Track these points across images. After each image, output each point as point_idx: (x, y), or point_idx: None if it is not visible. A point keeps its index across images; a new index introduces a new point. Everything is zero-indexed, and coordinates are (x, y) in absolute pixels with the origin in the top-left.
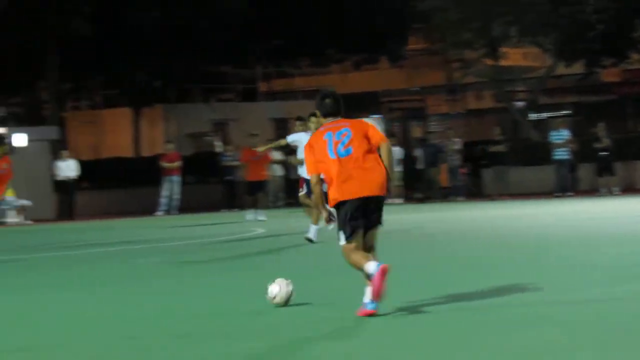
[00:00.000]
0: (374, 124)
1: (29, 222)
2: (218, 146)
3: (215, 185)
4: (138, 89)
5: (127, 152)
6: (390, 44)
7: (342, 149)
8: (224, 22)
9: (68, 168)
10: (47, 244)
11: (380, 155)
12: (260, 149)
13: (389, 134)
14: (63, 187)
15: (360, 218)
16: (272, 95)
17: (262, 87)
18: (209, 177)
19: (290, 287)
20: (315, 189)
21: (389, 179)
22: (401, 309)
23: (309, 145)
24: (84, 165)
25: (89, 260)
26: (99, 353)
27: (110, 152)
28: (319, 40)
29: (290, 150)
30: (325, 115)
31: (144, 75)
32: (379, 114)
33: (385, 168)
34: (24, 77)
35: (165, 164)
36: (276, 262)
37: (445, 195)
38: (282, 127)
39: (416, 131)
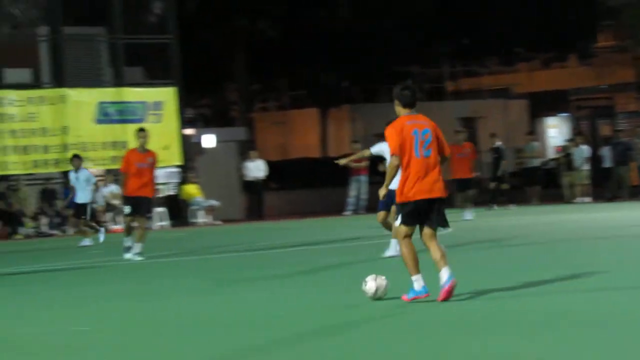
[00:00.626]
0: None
1: (218, 222)
2: None
3: None
4: (325, 89)
5: (314, 152)
6: (579, 41)
7: (424, 150)
8: (411, 21)
9: (256, 168)
10: (234, 244)
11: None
12: (342, 162)
13: (577, 132)
14: (251, 188)
15: (422, 216)
16: (460, 95)
17: (449, 86)
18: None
19: (384, 283)
20: (393, 171)
21: None
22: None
23: (398, 130)
24: (272, 165)
25: (273, 259)
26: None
27: (298, 152)
28: (507, 38)
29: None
30: (405, 105)
31: (331, 76)
32: (567, 112)
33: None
34: (212, 79)
35: (352, 164)
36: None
37: (635, 194)
38: (470, 127)
39: (604, 129)
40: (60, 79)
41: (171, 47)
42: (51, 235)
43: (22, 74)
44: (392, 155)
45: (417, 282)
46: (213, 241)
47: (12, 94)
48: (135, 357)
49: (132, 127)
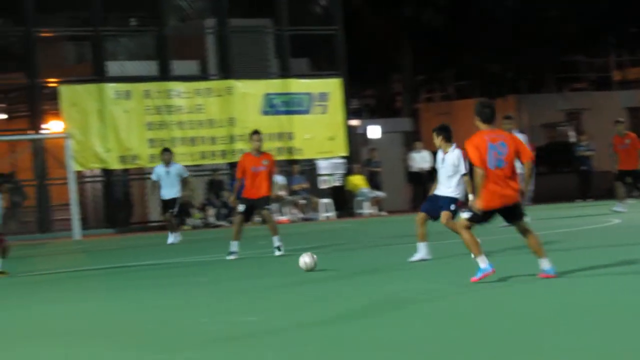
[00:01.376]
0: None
1: (383, 213)
2: (571, 136)
3: (569, 175)
4: (491, 79)
5: None
6: None
7: (498, 162)
8: (577, 10)
9: (422, 159)
10: (398, 235)
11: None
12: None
13: None
14: (416, 178)
15: (489, 219)
16: (627, 84)
17: (616, 75)
18: (563, 167)
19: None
20: (481, 180)
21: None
22: None
23: (476, 145)
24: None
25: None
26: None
27: (462, 143)
28: None
29: None
30: (484, 121)
31: (496, 66)
32: None
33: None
34: (377, 69)
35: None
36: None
37: None
38: (636, 117)
39: None
40: (226, 71)
41: (337, 38)
42: (218, 226)
43: (190, 66)
44: (476, 166)
45: (482, 262)
46: (378, 231)
47: (179, 86)
48: (302, 349)
49: (297, 119)
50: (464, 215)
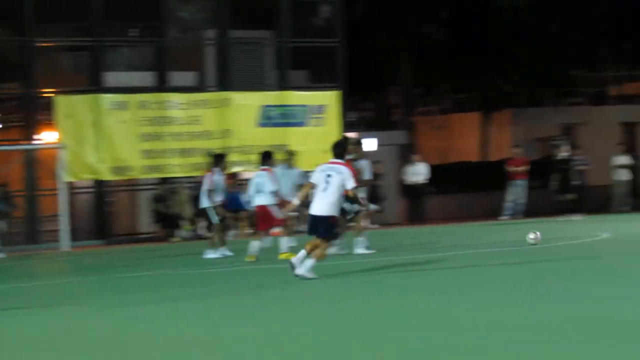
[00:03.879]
0: None
1: (375, 226)
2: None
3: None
4: (488, 93)
5: (474, 156)
6: None
7: None
8: (580, 24)
9: (417, 172)
10: (395, 248)
11: None
12: None
13: None
14: (411, 191)
15: None
16: (623, 99)
17: (613, 90)
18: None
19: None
20: None
21: None
22: None
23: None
24: (432, 169)
25: (438, 263)
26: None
27: (458, 156)
28: None
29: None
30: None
31: (495, 80)
32: None
33: None
34: (376, 82)
35: (511, 168)
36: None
37: None
38: (631, 132)
39: None
40: (224, 82)
41: (337, 50)
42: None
43: (188, 77)
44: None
45: None
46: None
47: (176, 97)
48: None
49: (293, 131)
50: None
